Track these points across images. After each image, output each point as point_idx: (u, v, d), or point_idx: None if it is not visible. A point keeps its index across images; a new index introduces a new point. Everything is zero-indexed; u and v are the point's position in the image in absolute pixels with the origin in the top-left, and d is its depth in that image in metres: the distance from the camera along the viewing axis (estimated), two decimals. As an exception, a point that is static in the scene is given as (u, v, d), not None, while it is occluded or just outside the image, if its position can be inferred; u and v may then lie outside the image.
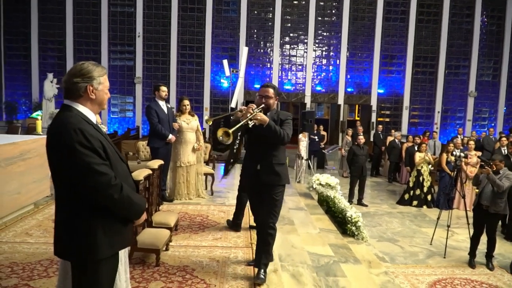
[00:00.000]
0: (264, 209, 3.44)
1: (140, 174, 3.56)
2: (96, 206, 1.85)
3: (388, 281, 4.57)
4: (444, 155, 8.52)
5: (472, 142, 8.49)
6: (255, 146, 3.45)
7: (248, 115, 3.16)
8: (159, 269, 3.52)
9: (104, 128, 2.98)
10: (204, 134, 9.38)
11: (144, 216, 2.05)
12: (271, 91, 3.47)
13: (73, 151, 1.76)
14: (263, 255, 3.43)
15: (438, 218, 6.27)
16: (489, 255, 5.44)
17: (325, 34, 17.73)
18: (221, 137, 3.08)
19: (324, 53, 17.79)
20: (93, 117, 1.96)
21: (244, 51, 11.88)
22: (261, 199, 3.46)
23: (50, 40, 16.97)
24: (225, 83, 17.06)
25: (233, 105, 12.27)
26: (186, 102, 6.04)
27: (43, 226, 4.67)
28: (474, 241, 5.48)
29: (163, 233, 3.75)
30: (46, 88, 14.39)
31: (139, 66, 17.16)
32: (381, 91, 17.77)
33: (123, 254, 2.17)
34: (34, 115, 15.14)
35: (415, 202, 8.60)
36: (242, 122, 3.12)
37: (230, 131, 3.06)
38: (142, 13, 16.84)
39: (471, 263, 5.42)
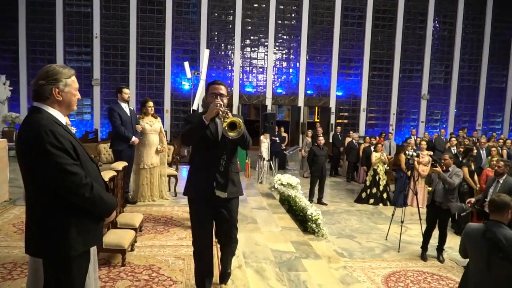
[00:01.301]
0: (223, 225, 3.11)
1: (104, 175, 3.58)
2: (68, 205, 1.91)
3: (347, 275, 4.80)
4: (403, 156, 8.93)
5: (424, 143, 8.98)
6: (212, 152, 2.95)
7: (221, 114, 2.83)
8: (125, 269, 3.57)
9: (73, 130, 2.99)
10: (166, 135, 9.33)
11: (114, 214, 2.12)
12: (223, 88, 3.05)
13: (45, 152, 1.82)
14: (227, 265, 3.33)
15: (392, 215, 6.63)
16: (440, 248, 5.81)
17: (285, 37, 18.02)
18: (231, 133, 2.78)
19: (284, 56, 18.09)
20: (63, 119, 2.02)
21: (205, 54, 11.93)
22: (218, 215, 3.05)
23: (1, 41, 16.28)
24: (186, 85, 17.01)
25: (195, 107, 12.27)
26: (151, 103, 6.07)
27: (3, 230, 4.58)
28: (426, 236, 5.84)
29: (128, 234, 3.79)
30: (-1, 91, 13.87)
31: (97, 68, 16.76)
32: (339, 93, 18.28)
33: (92, 253, 2.23)
34: (-15, 118, 14.49)
35: (371, 200, 8.99)
36: (229, 119, 2.78)
37: (234, 120, 2.77)
38: (100, 13, 16.48)
39: (423, 256, 5.77)
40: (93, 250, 2.22)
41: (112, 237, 3.63)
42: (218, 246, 3.36)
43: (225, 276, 3.34)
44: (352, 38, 18.14)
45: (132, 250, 3.98)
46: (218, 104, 2.84)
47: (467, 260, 3.18)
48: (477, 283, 2.94)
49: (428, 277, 5.09)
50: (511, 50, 18.55)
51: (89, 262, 2.09)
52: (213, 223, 3.12)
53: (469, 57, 18.55)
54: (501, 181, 5.52)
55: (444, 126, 18.57)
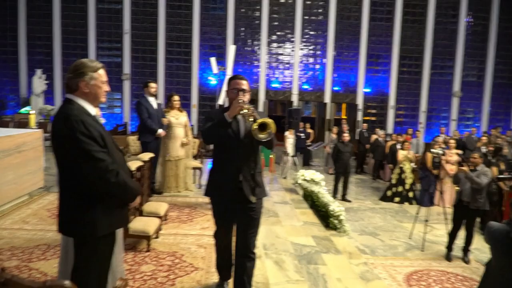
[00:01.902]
0: (243, 232, 2.89)
1: (132, 165, 3.72)
2: (95, 190, 2.03)
3: (367, 271, 4.81)
4: (429, 154, 8.79)
5: (452, 141, 8.80)
6: (235, 151, 2.78)
7: (245, 111, 2.69)
8: (150, 254, 3.71)
9: (102, 120, 3.13)
10: (192, 129, 9.47)
11: (138, 200, 2.24)
12: (245, 83, 2.86)
13: (75, 140, 1.94)
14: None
15: (417, 214, 6.56)
16: (466, 249, 5.71)
17: (311, 33, 17.91)
18: (260, 135, 2.61)
19: (311, 51, 17.99)
20: (92, 110, 2.14)
21: (231, 50, 12.05)
22: (240, 217, 2.87)
23: (38, 37, 16.88)
24: (212, 81, 17.19)
25: (221, 102, 12.44)
26: (177, 97, 6.23)
27: (38, 215, 4.83)
28: (452, 236, 5.74)
29: (154, 221, 3.93)
30: (35, 84, 14.43)
31: (127, 63, 17.17)
32: (367, 90, 18.05)
33: (119, 237, 2.36)
34: (22, 110, 15.12)
35: (397, 199, 8.89)
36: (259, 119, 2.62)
37: (266, 121, 2.61)
38: (130, 10, 16.85)
39: (448, 257, 5.69)
40: (119, 233, 2.33)
41: (138, 224, 3.78)
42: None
43: None
44: (380, 34, 17.86)
45: (157, 237, 4.12)
46: (241, 101, 2.68)
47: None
48: (500, 284, 2.88)
49: (452, 278, 5.03)
50: (550, 46, 17.81)
51: (115, 244, 2.21)
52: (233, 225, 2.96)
53: (505, 53, 17.91)
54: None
55: (477, 125, 18.06)
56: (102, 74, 2.17)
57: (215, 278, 3.26)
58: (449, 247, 5.76)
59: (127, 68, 17.17)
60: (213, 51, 17.34)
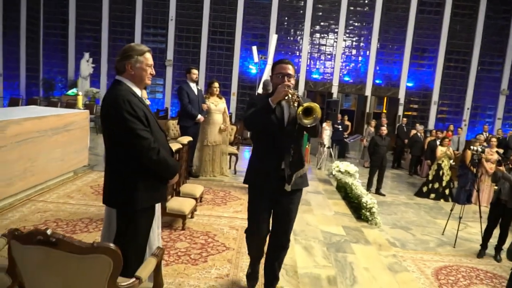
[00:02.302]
0: (280, 221, 2.83)
1: (171, 147, 3.94)
2: (138, 165, 2.22)
3: (395, 263, 4.84)
4: (469, 151, 8.59)
5: (494, 139, 8.55)
6: (278, 139, 2.67)
7: (291, 96, 2.56)
8: (185, 233, 3.94)
9: (148, 102, 3.33)
10: (230, 117, 9.64)
11: (177, 177, 2.42)
12: (291, 68, 2.75)
13: (122, 118, 2.14)
14: (273, 275, 2.96)
15: (451, 210, 6.48)
16: (499, 247, 5.63)
17: (356, 24, 17.64)
18: (306, 120, 2.50)
19: (354, 43, 17.73)
20: (138, 91, 2.33)
21: (273, 39, 12.11)
22: (277, 207, 2.80)
23: (86, 21, 17.56)
24: (253, 69, 17.33)
25: (260, 91, 12.56)
26: (216, 84, 6.43)
27: (82, 191, 5.17)
28: (487, 233, 5.66)
29: (190, 202, 4.15)
30: (83, 67, 15.09)
31: (171, 49, 17.57)
32: (410, 84, 17.62)
33: (157, 211, 2.55)
34: (69, 92, 15.85)
35: (432, 195, 8.76)
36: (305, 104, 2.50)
37: (311, 105, 2.49)
38: (176, -3, 17.19)
39: (481, 254, 5.62)
40: (158, 208, 2.53)
41: (174, 204, 4.01)
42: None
43: (274, 278, 2.99)
44: (427, 27, 17.32)
45: (192, 217, 4.34)
46: (287, 86, 2.54)
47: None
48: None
49: (481, 274, 4.98)
50: None
51: (154, 218, 2.41)
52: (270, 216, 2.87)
53: (557, 51, 16.98)
54: None
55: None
56: (148, 57, 2.34)
57: (245, 258, 3.43)
58: (484, 244, 5.69)
59: (170, 54, 17.58)
60: (255, 40, 17.44)
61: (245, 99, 17.64)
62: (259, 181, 2.75)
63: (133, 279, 1.77)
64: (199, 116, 6.09)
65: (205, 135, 6.38)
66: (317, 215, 5.39)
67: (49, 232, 1.51)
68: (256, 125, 2.72)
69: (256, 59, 12.30)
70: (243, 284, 3.07)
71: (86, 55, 15.23)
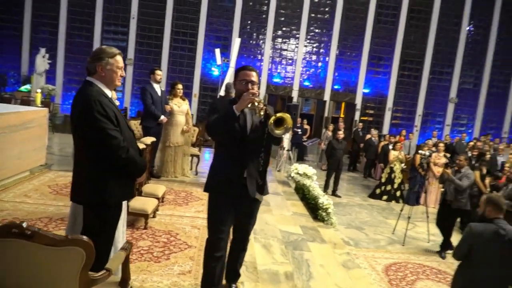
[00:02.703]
0: (242, 228, 2.91)
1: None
2: (108, 163, 2.31)
3: (349, 260, 5.13)
4: (418, 156, 9.11)
5: (442, 144, 9.12)
6: (240, 146, 2.66)
7: (257, 105, 2.55)
8: (147, 232, 4.01)
9: (117, 103, 3.39)
10: (192, 118, 9.65)
11: (144, 176, 2.52)
12: (255, 75, 2.74)
13: (93, 118, 2.22)
14: (234, 272, 3.09)
15: (401, 211, 6.89)
16: (444, 245, 6.06)
17: (317, 31, 18.11)
18: (277, 131, 2.49)
19: (314, 49, 18.20)
20: (109, 92, 2.42)
21: (236, 42, 12.27)
22: (240, 215, 2.81)
23: (43, 15, 16.98)
24: (215, 72, 17.41)
25: (221, 93, 12.68)
26: (180, 86, 6.51)
27: (40, 190, 5.11)
28: (445, 233, 6.07)
29: (152, 202, 4.22)
30: (38, 63, 14.56)
31: (132, 48, 17.28)
32: (366, 90, 18.31)
33: (123, 210, 2.64)
34: (22, 88, 15.27)
35: (385, 197, 9.22)
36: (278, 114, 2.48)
37: (282, 116, 2.48)
38: (138, -6, 16.98)
39: (441, 254, 6.01)
40: (124, 207, 2.62)
41: (137, 203, 4.07)
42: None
43: (235, 275, 3.11)
44: (384, 36, 18.07)
45: (154, 216, 4.41)
46: (252, 94, 2.52)
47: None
48: (484, 279, 3.08)
49: (427, 270, 5.36)
50: (546, 60, 18.11)
51: (121, 214, 2.50)
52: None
53: (501, 64, 18.22)
54: (510, 186, 5.70)
55: (470, 131, 18.40)
56: (118, 60, 2.44)
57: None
58: (444, 244, 6.05)
59: (131, 53, 17.29)
60: (218, 42, 17.53)
61: (207, 101, 17.68)
62: (223, 187, 2.69)
63: (104, 271, 1.87)
64: (162, 117, 6.14)
65: (168, 136, 6.44)
66: (276, 215, 5.60)
67: (24, 225, 1.59)
68: (219, 132, 2.66)
69: (219, 61, 12.43)
70: (205, 280, 3.20)
71: (42, 50, 14.72)
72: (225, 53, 16.04)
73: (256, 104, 2.53)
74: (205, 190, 2.81)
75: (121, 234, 2.76)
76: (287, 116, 2.49)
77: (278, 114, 2.47)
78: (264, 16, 17.66)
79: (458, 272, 3.37)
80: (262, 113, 2.53)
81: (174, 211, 4.84)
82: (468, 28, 18.07)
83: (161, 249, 3.66)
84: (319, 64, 18.18)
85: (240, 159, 2.67)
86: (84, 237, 1.70)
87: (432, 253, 6.06)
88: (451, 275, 5.24)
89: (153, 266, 3.32)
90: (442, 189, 8.48)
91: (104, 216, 2.36)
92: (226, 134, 2.62)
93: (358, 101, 18.21)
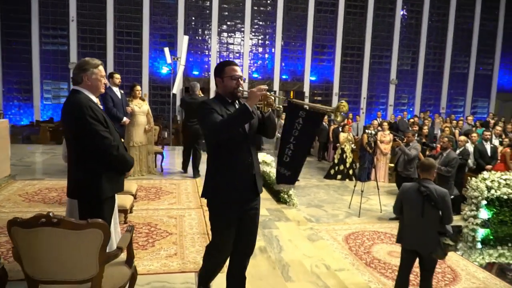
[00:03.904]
0: (248, 231, 2.71)
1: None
2: (100, 161, 2.60)
3: (313, 234, 5.63)
4: (365, 135, 9.86)
5: (386, 123, 9.89)
6: (245, 144, 2.57)
7: (269, 100, 2.55)
8: (128, 226, 4.27)
9: (101, 107, 3.64)
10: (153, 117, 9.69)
11: (132, 170, 2.83)
12: (240, 70, 2.64)
13: (85, 122, 2.51)
14: (243, 280, 2.82)
15: (354, 187, 7.54)
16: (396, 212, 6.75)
17: (261, 23, 18.59)
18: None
19: (260, 41, 18.68)
20: (95, 99, 2.71)
21: (185, 40, 12.46)
22: (245, 218, 2.65)
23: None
24: (164, 70, 17.46)
25: (174, 91, 12.88)
26: (139, 87, 6.73)
27: (12, 199, 5.20)
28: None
29: (128, 198, 4.49)
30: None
31: (74, 51, 16.89)
32: (313, 78, 19.08)
33: (116, 202, 2.94)
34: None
35: (339, 176, 9.90)
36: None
37: (340, 104, 2.57)
38: (76, -4, 16.60)
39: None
40: (116, 199, 2.92)
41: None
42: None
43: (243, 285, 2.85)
44: (325, 25, 18.87)
45: (131, 212, 4.68)
46: (264, 90, 2.43)
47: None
48: (412, 227, 3.75)
49: (382, 235, 6.00)
50: (473, 39, 19.71)
51: (114, 206, 2.81)
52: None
53: (434, 44, 19.63)
54: (444, 154, 6.46)
55: (411, 109, 19.72)
56: (101, 69, 2.73)
57: (188, 239, 3.92)
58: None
59: (73, 56, 16.89)
60: (163, 40, 17.57)
61: (157, 100, 17.73)
62: (235, 193, 2.55)
63: (116, 249, 2.19)
64: (125, 119, 6.33)
65: (131, 136, 6.65)
66: (242, 201, 6.00)
67: (51, 214, 1.89)
68: (230, 133, 2.47)
69: (169, 60, 12.57)
70: (191, 259, 3.56)
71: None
72: (172, 51, 16.10)
73: (272, 99, 2.55)
74: (211, 198, 2.61)
75: (114, 225, 3.07)
76: (344, 104, 2.59)
77: (338, 104, 2.59)
78: (207, 11, 17.88)
79: (399, 223, 4.00)
80: (268, 109, 2.57)
81: (148, 205, 5.12)
82: (402, 13, 19.27)
83: (144, 239, 3.97)
84: (266, 55, 18.70)
85: (246, 158, 2.57)
86: (100, 220, 2.02)
87: (384, 220, 6.73)
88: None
89: (141, 253, 3.63)
90: (390, 164, 9.31)
91: (100, 209, 2.65)
92: (237, 133, 2.51)
93: (306, 89, 18.94)
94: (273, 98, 2.57)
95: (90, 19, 16.96)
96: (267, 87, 2.50)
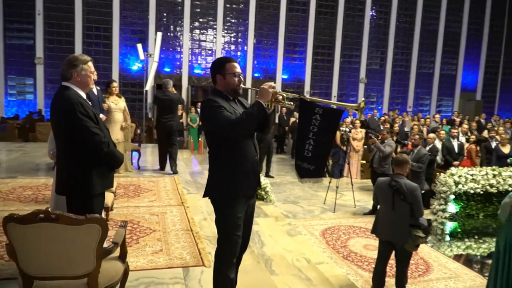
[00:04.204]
0: (246, 227, 2.70)
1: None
2: (91, 157, 2.60)
3: (291, 229, 5.75)
4: (338, 133, 10.06)
5: (358, 121, 10.15)
6: (250, 140, 2.58)
7: (280, 97, 2.60)
8: (110, 223, 4.25)
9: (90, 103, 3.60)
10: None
11: (122, 166, 2.84)
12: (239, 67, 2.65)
13: (77, 118, 2.51)
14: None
15: (329, 183, 7.72)
16: (374, 206, 6.96)
17: (233, 21, 18.58)
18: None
19: (232, 39, 18.68)
20: (84, 95, 2.70)
21: (158, 36, 12.31)
22: (248, 214, 2.68)
23: None
24: (135, 67, 17.20)
25: (147, 88, 12.73)
26: (115, 84, 6.64)
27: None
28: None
29: (109, 195, 4.44)
30: None
31: (40, 46, 16.35)
32: (285, 76, 19.25)
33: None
34: None
35: (313, 173, 10.08)
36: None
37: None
38: (42, -11, 16.08)
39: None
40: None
41: (96, 198, 4.29)
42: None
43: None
44: (297, 24, 19.06)
45: (112, 210, 4.63)
46: (273, 87, 2.48)
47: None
48: (384, 221, 3.95)
49: (357, 230, 6.20)
50: (438, 39, 20.41)
51: (105, 200, 2.81)
52: None
53: (401, 45, 20.19)
54: (415, 151, 6.73)
55: (380, 107, 20.23)
56: (90, 65, 2.73)
57: (172, 235, 3.93)
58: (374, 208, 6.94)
59: (40, 51, 16.36)
60: (134, 36, 17.28)
61: (128, 97, 17.36)
62: (245, 190, 2.55)
63: (112, 244, 2.21)
64: (101, 116, 6.23)
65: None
66: (221, 197, 6.05)
67: (50, 209, 1.89)
68: (248, 130, 2.50)
69: (141, 56, 12.41)
70: (177, 255, 3.59)
71: None
72: (144, 47, 15.86)
73: (281, 97, 2.60)
74: (217, 202, 2.56)
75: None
76: (364, 102, 2.91)
77: (361, 102, 2.91)
78: (179, 7, 17.72)
79: (376, 215, 4.19)
80: (284, 104, 2.62)
81: (129, 203, 5.10)
82: (371, 13, 19.73)
83: (128, 236, 3.96)
84: (238, 53, 18.71)
85: (253, 154, 2.57)
86: (98, 215, 2.04)
87: (359, 215, 6.93)
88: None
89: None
90: (362, 161, 9.57)
91: (90, 205, 2.65)
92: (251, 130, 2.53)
93: (278, 87, 18.78)
94: (284, 95, 2.60)
95: (58, 13, 16.46)
96: (275, 84, 2.53)
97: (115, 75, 17.18)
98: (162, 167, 7.29)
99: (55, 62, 16.29)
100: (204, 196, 2.62)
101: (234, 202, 2.50)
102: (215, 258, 2.59)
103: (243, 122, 2.41)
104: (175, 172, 6.90)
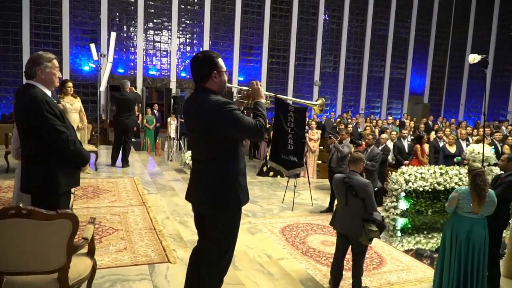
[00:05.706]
0: None
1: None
2: (56, 155, 2.58)
3: (252, 227, 5.89)
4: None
5: (313, 123, 10.48)
6: (241, 142, 2.51)
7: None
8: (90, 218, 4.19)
9: (55, 101, 3.52)
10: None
11: (88, 165, 2.84)
12: None
13: (42, 116, 2.49)
14: None
15: (287, 183, 7.92)
16: (330, 204, 7.22)
17: (188, 22, 18.51)
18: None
19: (188, 40, 18.61)
20: (49, 93, 2.68)
21: (112, 36, 12.05)
22: None
23: None
24: (86, 67, 16.75)
25: (102, 89, 12.44)
26: (70, 84, 6.47)
27: None
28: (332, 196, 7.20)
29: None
30: None
31: (-15, 46, 15.61)
32: (241, 78, 19.41)
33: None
34: None
35: (271, 173, 10.28)
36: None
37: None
38: (-13, -14, 15.35)
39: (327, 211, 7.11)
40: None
41: (54, 199, 4.20)
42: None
43: None
44: (252, 26, 19.29)
45: (71, 210, 4.55)
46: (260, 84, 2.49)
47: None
48: (340, 215, 4.15)
49: (315, 227, 6.42)
50: (388, 44, 21.36)
51: (70, 200, 2.79)
52: None
53: (353, 49, 20.95)
54: (369, 150, 7.07)
55: (334, 110, 20.85)
56: (55, 63, 2.71)
57: (136, 234, 3.94)
58: (330, 206, 7.17)
59: (-16, 52, 15.60)
60: (86, 36, 16.83)
61: (81, 98, 16.84)
62: (243, 199, 2.46)
63: (82, 239, 2.22)
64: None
65: (62, 134, 6.39)
66: (182, 197, 6.04)
67: (21, 205, 1.89)
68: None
69: (95, 56, 12.10)
70: (142, 253, 3.60)
71: None
72: (96, 47, 15.46)
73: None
74: (237, 204, 2.43)
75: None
76: (324, 100, 3.12)
77: (320, 99, 3.16)
78: (133, 8, 17.44)
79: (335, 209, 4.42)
80: (266, 102, 2.59)
81: (88, 204, 5.01)
82: (324, 17, 20.32)
83: (90, 236, 3.91)
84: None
85: (243, 157, 2.50)
86: (69, 210, 2.05)
87: (316, 213, 7.17)
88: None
89: (89, 250, 3.60)
90: (318, 161, 9.87)
91: (56, 204, 2.63)
92: None
93: (235, 89, 19.18)
94: (267, 94, 2.59)
95: (3, 12, 15.71)
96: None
97: (66, 75, 16.56)
98: (113, 162, 7.46)
99: (2, 62, 15.58)
100: (216, 207, 2.37)
101: (238, 209, 2.44)
102: (212, 279, 2.45)
103: (264, 124, 2.30)
104: (124, 166, 7.29)
